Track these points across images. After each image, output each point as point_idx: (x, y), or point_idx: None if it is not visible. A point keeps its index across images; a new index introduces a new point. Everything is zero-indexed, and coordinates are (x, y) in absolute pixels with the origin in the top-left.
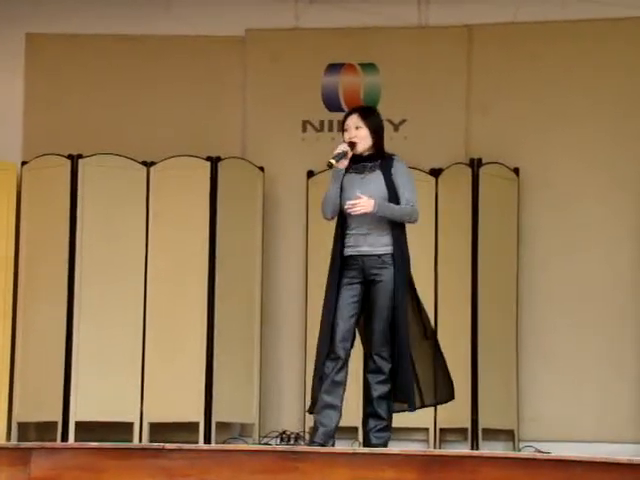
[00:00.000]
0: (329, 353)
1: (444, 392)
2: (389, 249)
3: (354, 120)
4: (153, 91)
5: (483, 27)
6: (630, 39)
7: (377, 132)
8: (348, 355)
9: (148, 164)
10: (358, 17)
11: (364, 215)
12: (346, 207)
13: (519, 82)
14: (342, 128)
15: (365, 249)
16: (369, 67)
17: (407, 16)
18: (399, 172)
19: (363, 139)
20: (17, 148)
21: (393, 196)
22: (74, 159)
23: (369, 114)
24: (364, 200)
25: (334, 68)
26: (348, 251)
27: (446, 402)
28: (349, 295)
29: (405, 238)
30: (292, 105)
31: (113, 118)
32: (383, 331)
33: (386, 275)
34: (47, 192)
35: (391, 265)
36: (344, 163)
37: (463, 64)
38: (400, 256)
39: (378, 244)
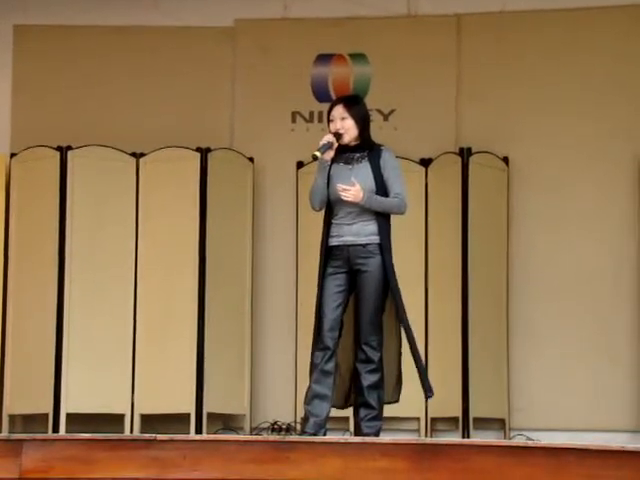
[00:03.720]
0: (317, 343)
1: (396, 392)
2: (374, 238)
3: (339, 111)
4: (142, 82)
5: (472, 16)
6: (619, 27)
7: (363, 122)
8: (337, 345)
9: (137, 155)
10: (347, 7)
11: (351, 204)
12: (338, 188)
13: (509, 71)
14: (327, 119)
15: (349, 239)
16: (359, 57)
17: (396, 6)
18: (387, 163)
19: (349, 130)
20: (6, 140)
21: (380, 187)
22: (63, 151)
23: (354, 104)
24: (355, 189)
25: (324, 58)
26: (333, 241)
27: (394, 402)
28: (334, 285)
29: (389, 227)
30: (282, 96)
31: (102, 109)
32: (371, 320)
33: (372, 265)
34: (36, 184)
35: (377, 254)
36: (330, 154)
37: (453, 53)
38: (387, 245)
39: (363, 234)
